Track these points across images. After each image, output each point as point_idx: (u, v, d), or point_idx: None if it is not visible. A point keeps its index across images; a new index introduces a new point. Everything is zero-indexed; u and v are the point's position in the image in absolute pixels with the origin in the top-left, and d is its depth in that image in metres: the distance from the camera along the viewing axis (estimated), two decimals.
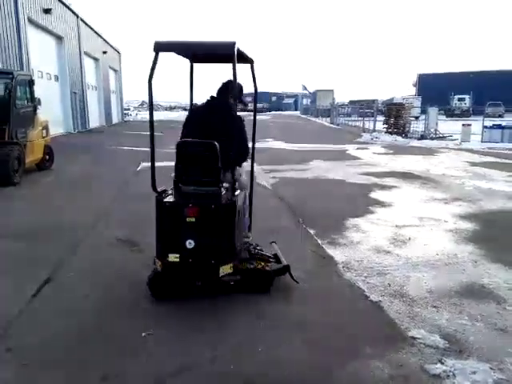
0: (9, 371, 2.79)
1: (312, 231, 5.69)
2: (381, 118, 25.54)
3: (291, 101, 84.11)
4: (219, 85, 3.99)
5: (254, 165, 4.43)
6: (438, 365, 2.86)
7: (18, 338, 3.16)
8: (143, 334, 3.18)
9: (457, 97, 46.17)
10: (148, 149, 3.82)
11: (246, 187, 4.12)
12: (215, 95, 3.98)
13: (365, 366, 2.86)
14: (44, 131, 10.23)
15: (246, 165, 4.14)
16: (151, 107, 3.69)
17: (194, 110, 4.19)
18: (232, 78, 3.47)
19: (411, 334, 3.23)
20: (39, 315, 3.51)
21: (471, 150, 16.26)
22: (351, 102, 45.67)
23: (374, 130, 23.53)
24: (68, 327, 3.31)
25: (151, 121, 3.68)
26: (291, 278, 3.92)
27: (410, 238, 5.50)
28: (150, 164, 3.61)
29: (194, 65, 4.39)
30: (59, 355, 2.97)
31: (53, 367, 2.85)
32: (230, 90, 3.74)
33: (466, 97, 45.58)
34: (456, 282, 4.18)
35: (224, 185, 3.58)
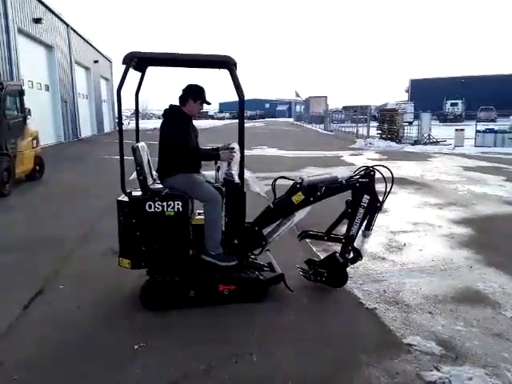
0: None
1: (307, 239, 5.64)
2: (374, 123, 25.68)
3: (285, 108, 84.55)
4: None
5: (248, 173, 4.39)
6: (434, 372, 2.84)
7: (9, 352, 3.10)
8: (136, 347, 3.13)
9: (449, 102, 46.52)
10: None
11: (207, 199, 3.75)
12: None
13: (361, 375, 2.84)
14: (34, 141, 10.15)
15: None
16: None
17: None
18: (194, 83, 3.87)
19: (407, 341, 3.21)
20: (30, 328, 3.45)
21: (464, 155, 16.34)
22: (345, 108, 45.84)
23: (368, 136, 23.60)
24: (60, 340, 3.26)
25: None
26: (286, 287, 3.88)
27: (405, 244, 5.49)
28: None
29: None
30: (50, 369, 2.92)
31: (44, 382, 2.80)
32: (188, 93, 3.85)
33: (459, 102, 45.94)
34: (451, 288, 4.17)
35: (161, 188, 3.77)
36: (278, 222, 4.02)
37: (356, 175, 3.99)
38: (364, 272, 4.55)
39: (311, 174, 4.19)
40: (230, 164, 3.86)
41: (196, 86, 3.91)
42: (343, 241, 4.05)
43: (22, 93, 9.92)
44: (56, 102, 21.75)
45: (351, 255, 4.04)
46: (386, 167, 4.05)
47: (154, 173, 4.12)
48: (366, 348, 3.13)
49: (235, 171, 3.80)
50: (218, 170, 3.99)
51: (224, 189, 3.82)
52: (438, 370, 2.85)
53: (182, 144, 3.72)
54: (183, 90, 3.89)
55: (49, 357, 3.05)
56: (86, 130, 27.26)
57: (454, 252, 5.22)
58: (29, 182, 10.06)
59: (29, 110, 10.07)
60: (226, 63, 3.68)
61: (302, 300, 3.90)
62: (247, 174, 10.59)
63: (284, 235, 4.12)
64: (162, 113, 3.98)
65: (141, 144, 3.98)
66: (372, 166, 3.98)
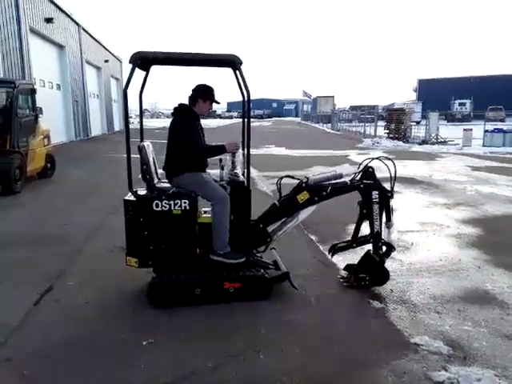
0: (8, 381, 2.76)
1: (313, 237, 5.67)
2: (382, 123, 25.58)
3: (292, 107, 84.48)
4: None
5: (255, 171, 4.41)
6: (442, 372, 2.83)
7: (19, 348, 3.13)
8: (143, 343, 3.15)
9: (457, 101, 46.21)
10: None
11: (216, 199, 3.75)
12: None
13: (368, 374, 2.84)
14: (45, 140, 10.24)
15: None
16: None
17: None
18: (203, 83, 3.91)
19: (414, 341, 3.20)
20: (39, 325, 3.49)
21: (473, 155, 16.23)
22: (352, 108, 45.72)
23: (375, 136, 23.53)
24: (68, 336, 3.28)
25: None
26: (291, 285, 3.89)
27: (412, 244, 5.47)
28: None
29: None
30: (59, 365, 2.95)
31: (52, 377, 2.83)
32: (198, 93, 3.88)
33: (467, 101, 45.62)
34: (459, 288, 4.15)
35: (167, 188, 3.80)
36: (282, 220, 4.06)
37: (358, 174, 4.12)
38: None
39: (317, 172, 4.22)
40: (234, 162, 3.88)
41: (205, 86, 3.95)
42: (371, 240, 4.07)
43: (33, 91, 10.00)
44: (67, 100, 21.92)
45: (384, 250, 4.07)
46: (390, 158, 4.22)
47: (160, 171, 4.14)
48: (373, 347, 3.13)
49: (239, 170, 3.83)
50: (222, 168, 4.02)
51: (229, 188, 3.84)
52: (446, 371, 2.83)
53: (190, 142, 3.76)
54: (193, 90, 3.92)
55: (57, 353, 3.08)
56: (97, 128, 27.43)
57: (462, 252, 5.19)
58: (40, 179, 10.15)
59: (40, 109, 10.15)
60: (232, 62, 3.70)
61: (309, 299, 3.90)
62: (254, 172, 10.62)
63: (293, 233, 4.12)
64: (171, 112, 4.00)
65: (146, 143, 4.02)
66: (371, 160, 4.18)
